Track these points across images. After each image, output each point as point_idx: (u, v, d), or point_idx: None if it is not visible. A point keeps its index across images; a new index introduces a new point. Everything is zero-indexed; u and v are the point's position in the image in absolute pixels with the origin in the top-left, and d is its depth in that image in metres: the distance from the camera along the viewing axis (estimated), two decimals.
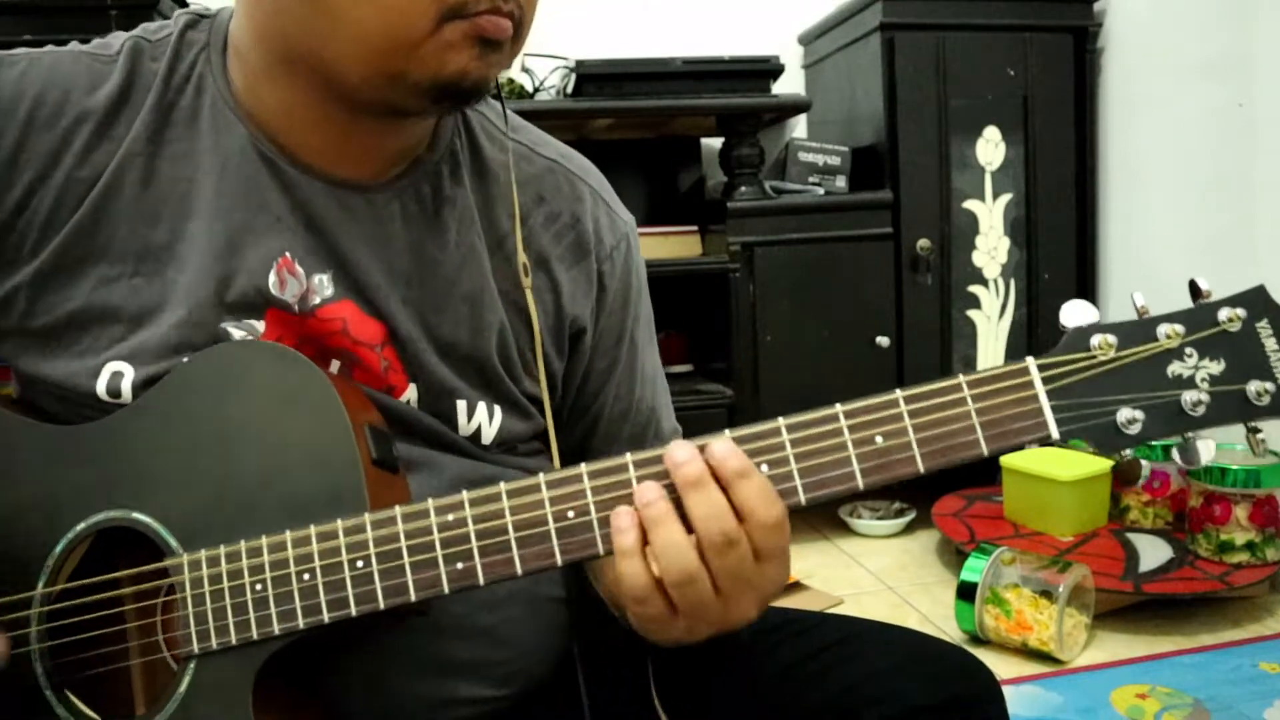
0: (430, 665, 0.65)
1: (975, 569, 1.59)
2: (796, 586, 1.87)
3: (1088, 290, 2.26)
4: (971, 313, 2.21)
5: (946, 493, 2.14)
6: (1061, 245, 2.23)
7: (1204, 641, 1.59)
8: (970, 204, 2.18)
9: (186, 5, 1.90)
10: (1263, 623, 1.65)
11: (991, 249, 2.21)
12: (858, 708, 0.63)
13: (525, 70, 2.13)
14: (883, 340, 2.14)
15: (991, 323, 2.23)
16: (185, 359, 0.61)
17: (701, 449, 0.53)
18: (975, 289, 2.21)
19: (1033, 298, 2.23)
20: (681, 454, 0.53)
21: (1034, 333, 2.23)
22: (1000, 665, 1.51)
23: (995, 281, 2.22)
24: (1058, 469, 1.86)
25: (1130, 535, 1.86)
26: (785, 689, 0.67)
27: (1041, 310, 2.23)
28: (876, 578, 1.93)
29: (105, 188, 0.62)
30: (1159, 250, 2.13)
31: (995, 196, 2.20)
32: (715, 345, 2.20)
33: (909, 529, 2.18)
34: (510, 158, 0.71)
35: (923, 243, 2.14)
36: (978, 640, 1.61)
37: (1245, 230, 1.90)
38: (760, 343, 2.10)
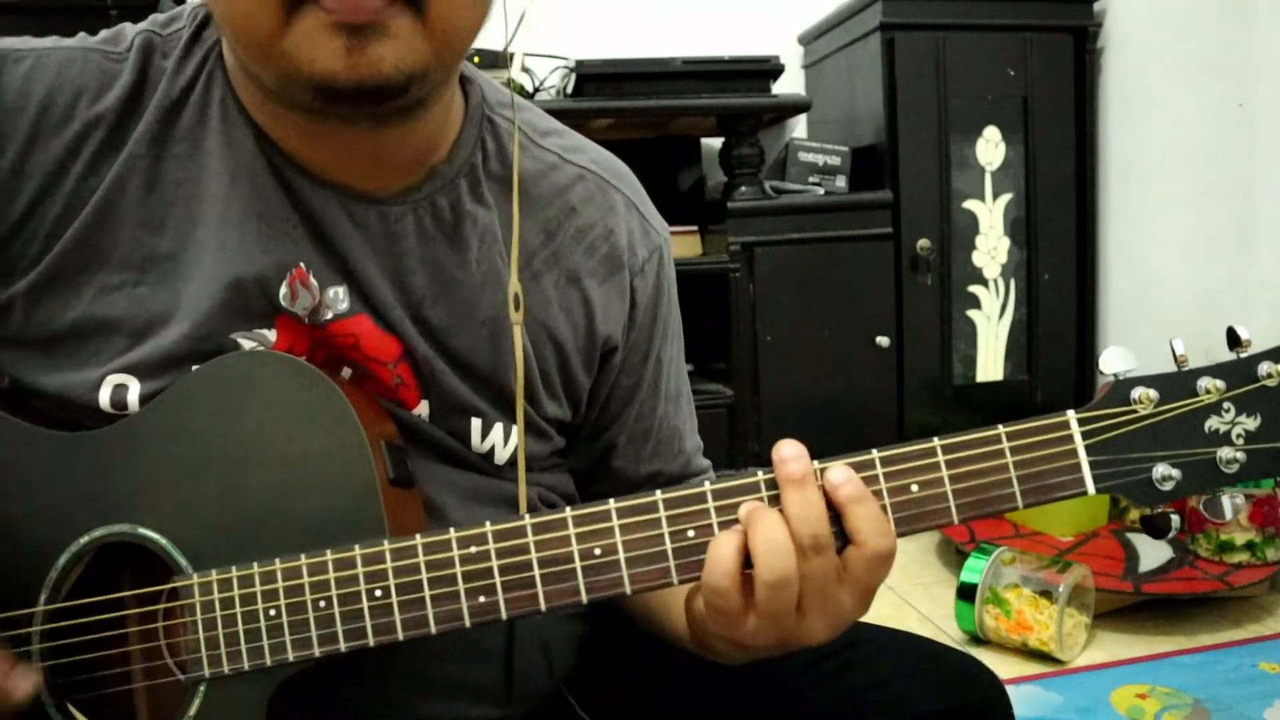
0: (438, 687, 0.64)
1: (975, 569, 1.59)
2: None
3: (1087, 290, 2.26)
4: (971, 313, 2.21)
5: None
6: (1061, 245, 2.23)
7: (1204, 641, 1.59)
8: (970, 204, 2.18)
9: (184, 2, 1.90)
10: (1263, 623, 1.65)
11: (991, 249, 2.21)
12: (863, 713, 0.63)
13: (525, 70, 2.13)
14: (883, 340, 2.14)
15: (991, 323, 2.23)
16: (195, 368, 0.59)
17: (819, 471, 0.52)
18: (975, 289, 2.21)
19: (1033, 298, 2.23)
20: (789, 450, 0.52)
21: (1034, 333, 2.23)
22: (1000, 665, 1.51)
23: (995, 281, 2.22)
24: None
25: (1130, 535, 1.86)
26: (790, 693, 0.66)
27: (1041, 310, 2.23)
28: None
29: (107, 193, 0.59)
30: (1159, 250, 2.13)
31: (995, 196, 2.20)
32: (715, 345, 2.19)
33: None
34: (515, 162, 0.67)
35: (923, 243, 2.14)
36: (978, 640, 1.61)
37: (1245, 230, 1.90)
38: (760, 343, 2.09)
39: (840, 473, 0.52)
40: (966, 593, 1.59)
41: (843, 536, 0.52)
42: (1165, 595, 1.64)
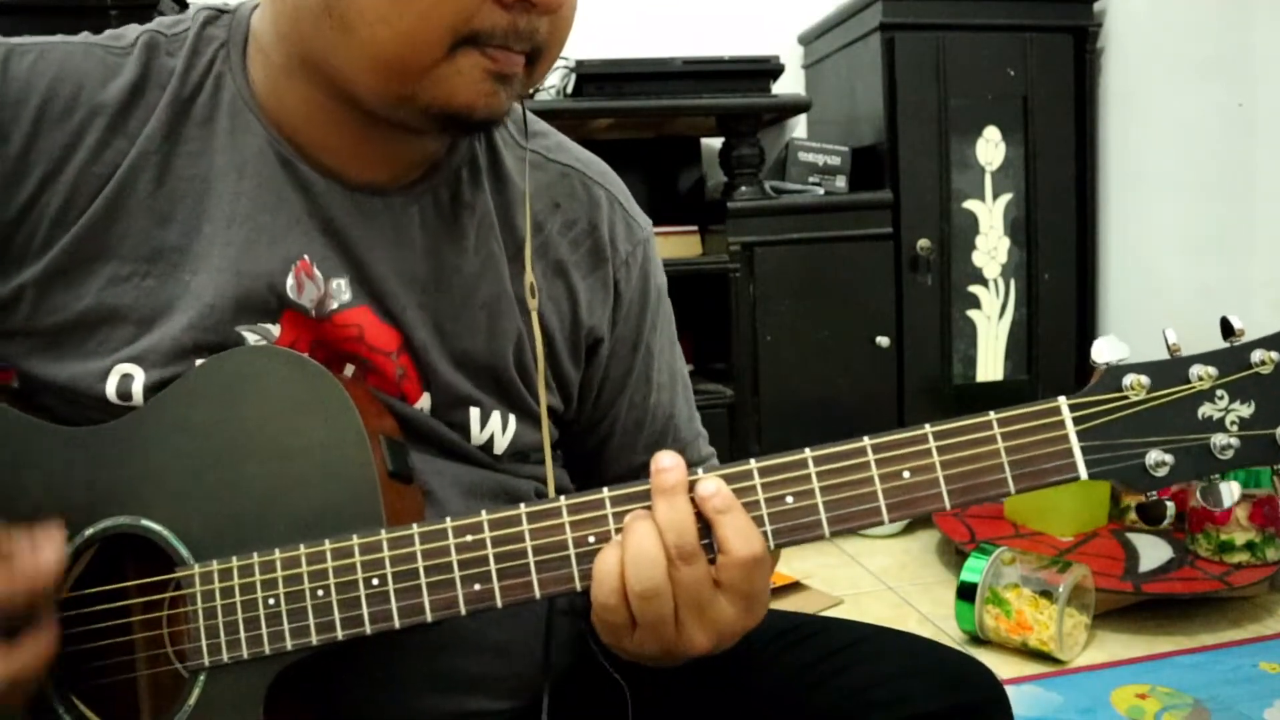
0: (441, 679, 0.65)
1: (975, 569, 1.59)
2: (796, 586, 1.87)
3: (1087, 290, 2.26)
4: (971, 313, 2.22)
5: None
6: (1061, 245, 2.23)
7: (1204, 641, 1.59)
8: (970, 204, 2.19)
9: (186, 5, 1.90)
10: (1263, 623, 1.65)
11: (991, 249, 2.21)
12: (863, 713, 0.63)
13: None
14: (883, 340, 2.14)
15: (991, 323, 2.23)
16: (199, 362, 0.60)
17: (693, 483, 0.53)
18: (975, 289, 2.21)
19: (1033, 298, 2.23)
20: (665, 461, 0.53)
21: (1034, 333, 2.23)
22: (1000, 665, 1.51)
23: (995, 281, 2.22)
24: None
25: (1130, 535, 1.86)
26: (791, 693, 0.67)
27: (1041, 310, 2.23)
28: (877, 578, 1.93)
29: (119, 185, 0.60)
30: (1159, 250, 2.13)
31: (995, 196, 2.20)
32: (715, 345, 2.20)
33: (909, 529, 2.18)
34: (526, 167, 0.70)
35: (923, 243, 2.14)
36: (978, 640, 1.61)
37: (1245, 230, 1.90)
38: (760, 343, 2.10)
39: (710, 484, 0.53)
40: (966, 593, 1.59)
41: (715, 546, 0.53)
42: (1165, 595, 1.64)
